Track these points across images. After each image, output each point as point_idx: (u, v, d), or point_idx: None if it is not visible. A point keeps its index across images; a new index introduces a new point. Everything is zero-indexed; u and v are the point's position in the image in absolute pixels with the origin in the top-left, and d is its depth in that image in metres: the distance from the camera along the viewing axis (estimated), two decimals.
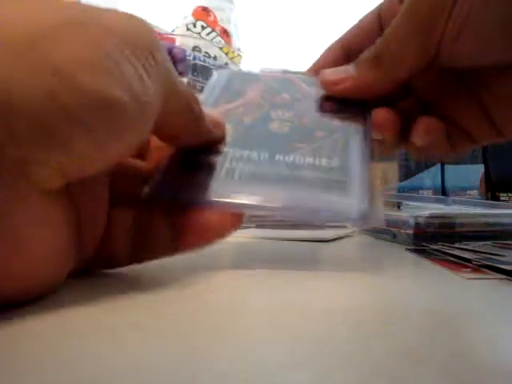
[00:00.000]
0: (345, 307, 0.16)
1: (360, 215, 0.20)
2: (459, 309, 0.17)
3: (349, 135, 0.24)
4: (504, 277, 0.21)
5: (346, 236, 0.45)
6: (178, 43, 0.73)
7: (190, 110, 0.20)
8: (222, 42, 0.77)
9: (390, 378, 0.10)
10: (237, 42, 0.81)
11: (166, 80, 0.18)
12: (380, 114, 0.26)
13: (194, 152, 0.22)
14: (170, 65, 0.18)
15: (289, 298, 0.18)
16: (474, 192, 0.68)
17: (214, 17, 0.78)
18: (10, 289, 0.15)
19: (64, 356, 0.11)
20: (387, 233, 0.40)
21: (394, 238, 0.39)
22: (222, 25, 0.78)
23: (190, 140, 0.22)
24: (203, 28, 0.76)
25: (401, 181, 0.68)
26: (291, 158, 0.22)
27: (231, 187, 0.21)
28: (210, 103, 0.26)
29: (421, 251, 0.31)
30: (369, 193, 0.21)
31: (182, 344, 0.12)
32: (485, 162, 0.70)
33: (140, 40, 0.16)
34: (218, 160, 0.22)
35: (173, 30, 0.78)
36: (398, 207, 0.59)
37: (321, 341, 0.12)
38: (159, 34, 0.73)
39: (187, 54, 0.71)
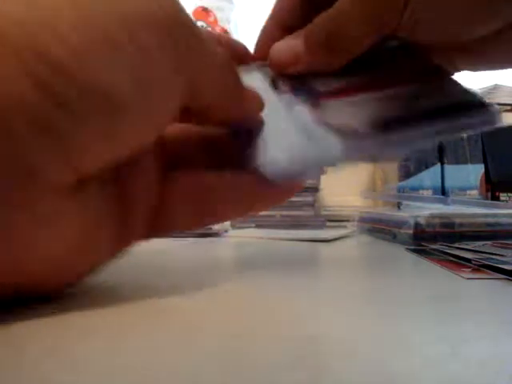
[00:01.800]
0: (344, 307, 0.16)
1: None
2: (459, 309, 0.17)
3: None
4: (504, 277, 0.21)
5: (346, 236, 0.45)
6: None
7: (223, 82, 0.18)
8: None
9: (387, 376, 0.10)
10: None
11: (189, 59, 0.16)
12: None
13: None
14: (197, 41, 0.16)
15: (288, 297, 0.18)
16: (474, 192, 0.68)
17: (214, 17, 0.78)
18: (24, 284, 0.15)
19: (63, 356, 0.11)
20: (387, 233, 0.40)
21: (394, 238, 0.39)
22: (222, 25, 0.78)
23: (225, 114, 0.19)
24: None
25: (401, 181, 0.68)
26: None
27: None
28: None
29: (421, 251, 0.31)
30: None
31: (181, 343, 0.12)
32: (485, 161, 0.70)
33: (152, 14, 0.14)
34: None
35: None
36: (398, 207, 0.59)
37: (320, 340, 0.12)
38: None
39: None
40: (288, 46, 0.24)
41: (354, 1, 0.22)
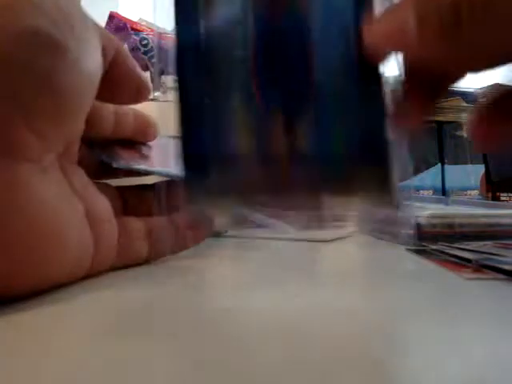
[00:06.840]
0: (345, 307, 0.16)
1: None
2: (459, 309, 0.17)
3: None
4: (504, 277, 0.21)
5: (346, 236, 0.45)
6: None
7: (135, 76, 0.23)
8: None
9: (387, 376, 0.10)
10: None
11: (106, 35, 0.20)
12: None
13: None
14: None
15: (288, 298, 0.18)
16: (474, 192, 0.68)
17: None
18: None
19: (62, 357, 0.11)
20: (387, 233, 0.40)
21: (394, 238, 0.39)
22: None
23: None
24: None
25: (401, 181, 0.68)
26: None
27: None
28: None
29: (421, 251, 0.31)
30: None
31: (182, 344, 0.12)
32: (485, 161, 0.70)
33: None
34: None
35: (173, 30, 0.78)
36: (398, 207, 0.59)
37: (321, 341, 0.12)
38: (159, 33, 0.73)
39: None
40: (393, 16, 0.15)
41: None
